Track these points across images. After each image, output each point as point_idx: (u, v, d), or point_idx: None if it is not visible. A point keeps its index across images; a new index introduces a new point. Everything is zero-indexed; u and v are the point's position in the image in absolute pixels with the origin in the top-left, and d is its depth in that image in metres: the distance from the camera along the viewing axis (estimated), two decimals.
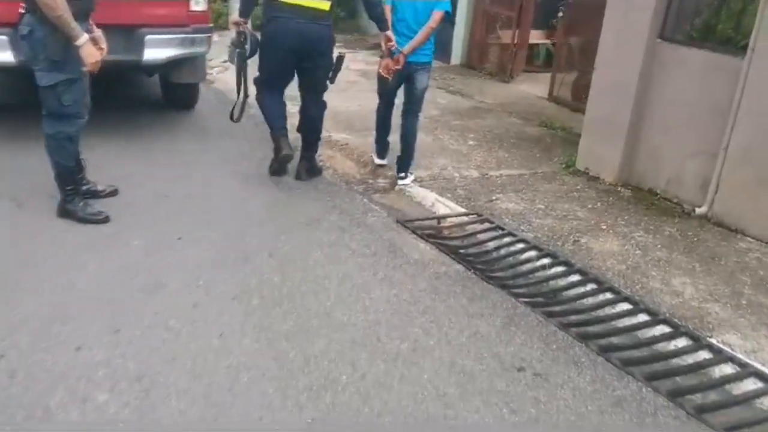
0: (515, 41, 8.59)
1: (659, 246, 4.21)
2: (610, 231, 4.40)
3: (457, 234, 4.26)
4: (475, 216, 4.48)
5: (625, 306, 3.44)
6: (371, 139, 5.67)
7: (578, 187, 5.21)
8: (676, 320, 3.34)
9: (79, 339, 2.80)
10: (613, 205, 4.88)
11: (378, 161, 5.40)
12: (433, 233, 4.19)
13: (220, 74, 8.34)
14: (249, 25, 4.64)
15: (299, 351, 2.83)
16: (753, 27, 4.30)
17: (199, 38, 5.30)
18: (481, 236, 4.22)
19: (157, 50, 5.06)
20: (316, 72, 4.54)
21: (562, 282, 3.70)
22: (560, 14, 7.89)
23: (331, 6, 4.37)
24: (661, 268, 3.90)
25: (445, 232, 4.29)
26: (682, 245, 4.23)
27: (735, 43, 4.76)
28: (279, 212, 4.32)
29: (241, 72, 4.63)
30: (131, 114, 6.15)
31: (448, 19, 4.80)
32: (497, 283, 3.59)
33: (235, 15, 4.64)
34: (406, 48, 4.58)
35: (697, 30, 5.02)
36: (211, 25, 5.60)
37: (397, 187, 5.02)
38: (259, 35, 4.53)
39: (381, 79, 4.83)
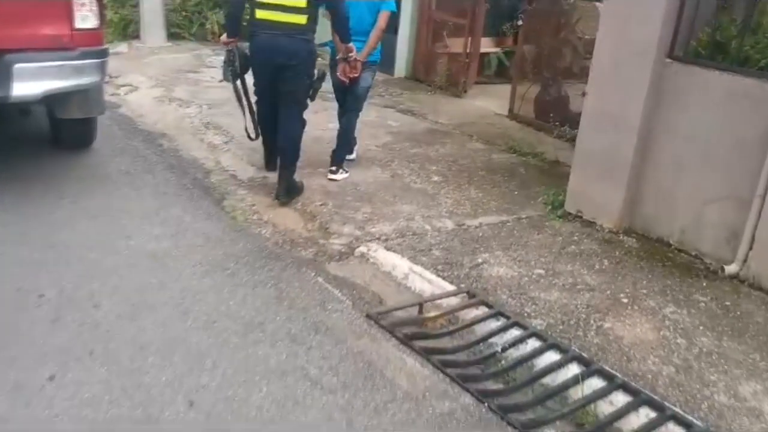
0: (468, 51, 7.55)
1: (701, 327, 3.24)
2: (635, 306, 3.41)
3: (449, 328, 3.15)
4: (465, 296, 3.39)
5: None
6: (316, 178, 4.70)
7: (574, 237, 4.21)
8: None
9: None
10: (623, 262, 3.90)
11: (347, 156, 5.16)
12: (418, 332, 3.07)
13: (129, 95, 6.95)
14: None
15: None
16: None
17: (88, 65, 3.97)
18: (481, 330, 3.13)
19: (30, 83, 3.75)
20: (291, 86, 4.36)
21: (606, 406, 2.65)
22: (519, 22, 6.90)
23: (308, 20, 4.21)
24: (718, 367, 2.93)
25: (432, 325, 3.18)
26: (726, 324, 3.28)
27: (754, 63, 3.87)
28: (202, 313, 3.08)
29: (238, 88, 4.66)
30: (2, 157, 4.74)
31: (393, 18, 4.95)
32: (523, 419, 2.51)
33: (224, 36, 4.59)
34: (362, 54, 4.63)
35: (705, 46, 4.09)
36: (105, 46, 4.24)
37: (357, 250, 3.88)
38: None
39: (336, 87, 4.94)
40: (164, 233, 3.81)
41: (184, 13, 9.80)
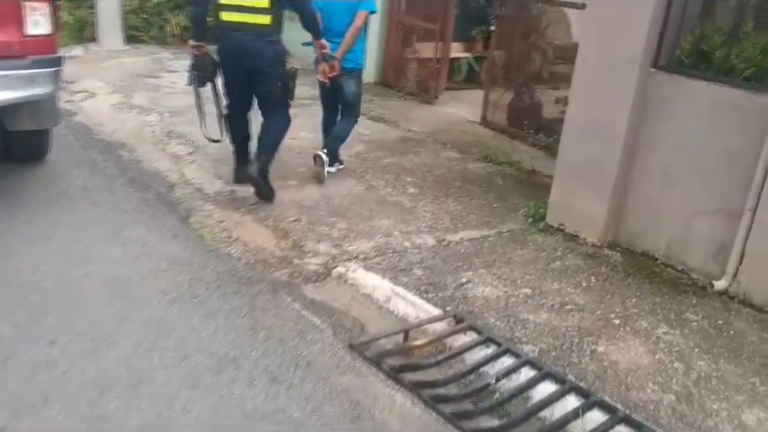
0: (439, 56, 7.37)
1: (696, 350, 3.11)
2: (627, 327, 3.26)
3: (438, 357, 2.95)
4: (452, 320, 3.20)
5: None
6: (288, 192, 4.56)
7: (558, 252, 4.06)
8: None
9: None
10: (610, 279, 3.75)
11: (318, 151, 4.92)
12: (405, 363, 2.86)
13: (86, 102, 6.59)
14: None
15: None
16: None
17: (40, 75, 3.66)
18: (471, 358, 2.93)
19: None
20: (264, 87, 4.34)
21: None
22: (491, 27, 6.75)
23: (273, 20, 4.17)
24: (719, 394, 2.79)
25: (419, 353, 2.97)
26: (721, 345, 3.15)
27: (738, 73, 3.77)
28: (170, 348, 2.81)
29: (200, 93, 4.61)
30: None
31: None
32: None
33: (191, 40, 4.50)
34: (338, 52, 4.55)
35: (688, 55, 3.98)
36: (59, 54, 3.91)
37: (335, 271, 3.65)
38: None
39: (321, 86, 4.85)
40: (126, 256, 3.52)
41: (143, 15, 9.43)
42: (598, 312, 3.39)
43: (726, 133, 3.60)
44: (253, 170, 4.31)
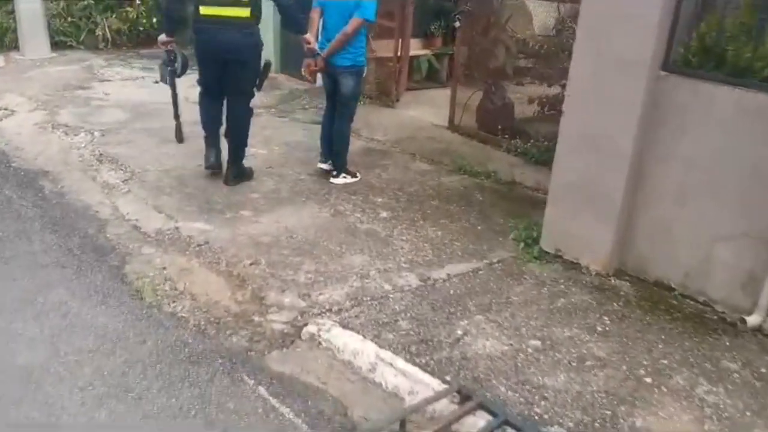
0: (399, 55, 6.68)
1: (747, 413, 2.55)
2: (662, 387, 2.67)
3: None
4: (456, 396, 2.54)
5: None
6: (241, 225, 3.89)
7: (560, 286, 3.45)
8: None
9: None
10: (626, 319, 3.17)
11: (319, 165, 4.82)
12: None
13: (4, 121, 5.67)
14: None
15: None
16: None
17: None
18: None
19: None
20: (239, 78, 4.32)
21: None
22: (456, 23, 6.10)
23: (252, 13, 4.17)
24: None
25: None
26: None
27: (756, 73, 3.22)
28: None
29: (177, 91, 4.53)
30: None
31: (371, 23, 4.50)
32: None
33: (162, 35, 4.41)
34: (324, 52, 4.41)
35: (696, 54, 3.41)
36: None
37: (305, 330, 2.96)
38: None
39: (325, 85, 4.74)
40: (41, 333, 2.74)
41: (69, 19, 8.41)
42: (624, 367, 2.79)
43: (752, 144, 3.04)
44: (232, 181, 4.43)
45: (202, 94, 4.49)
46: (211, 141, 4.50)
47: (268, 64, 4.47)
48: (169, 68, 4.42)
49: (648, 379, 2.72)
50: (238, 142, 4.47)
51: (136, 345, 2.72)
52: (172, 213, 4.03)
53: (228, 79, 4.31)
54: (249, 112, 4.52)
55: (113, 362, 2.59)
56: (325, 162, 4.75)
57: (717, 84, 3.14)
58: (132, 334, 2.80)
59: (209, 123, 4.49)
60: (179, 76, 4.50)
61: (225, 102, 4.43)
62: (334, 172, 4.65)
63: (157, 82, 4.46)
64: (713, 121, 3.15)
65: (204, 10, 4.15)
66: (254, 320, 3.06)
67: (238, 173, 4.49)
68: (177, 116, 4.65)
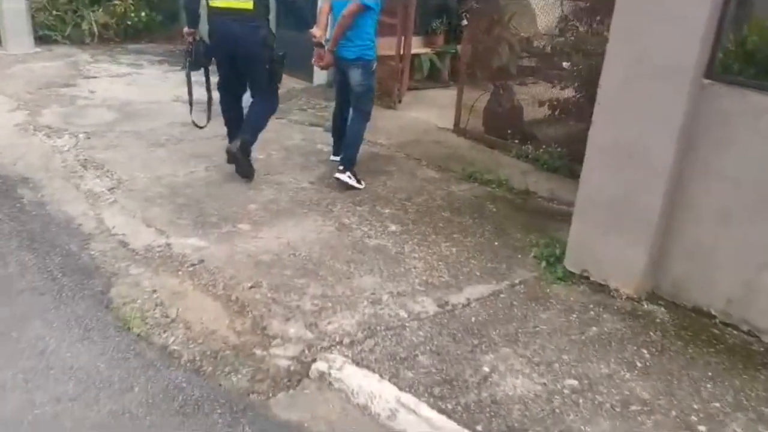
0: (401, 53, 6.31)
1: None
2: None
3: None
4: None
5: None
6: (239, 240, 3.51)
7: (591, 312, 3.12)
8: None
9: None
10: (667, 352, 2.85)
11: (332, 158, 4.77)
12: None
13: None
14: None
15: None
16: None
17: None
18: None
19: None
20: (250, 70, 4.29)
21: None
22: (464, 22, 5.73)
23: (256, 6, 4.11)
24: None
25: None
26: None
27: None
28: None
29: (191, 78, 4.51)
30: None
31: (376, 12, 4.36)
32: None
33: (185, 27, 4.38)
34: (330, 44, 4.34)
35: (736, 59, 3.09)
36: None
37: (314, 368, 2.60)
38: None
39: (334, 78, 4.84)
40: (14, 378, 2.36)
41: (54, 13, 7.95)
42: (673, 413, 2.46)
43: None
44: (234, 146, 4.26)
45: (221, 96, 4.49)
46: (231, 137, 4.45)
47: (280, 57, 4.30)
48: (188, 59, 4.43)
49: (702, 428, 2.40)
50: (250, 133, 4.34)
51: (122, 392, 2.35)
52: (163, 227, 3.66)
53: (242, 73, 4.31)
54: (266, 110, 4.42)
55: (96, 414, 2.22)
56: (336, 155, 4.67)
57: (766, 93, 2.81)
58: (117, 377, 2.43)
59: (226, 116, 4.51)
60: (202, 66, 4.43)
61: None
62: (341, 167, 4.41)
63: (182, 69, 4.54)
64: (762, 133, 2.83)
65: (213, 2, 4.18)
66: (256, 354, 2.71)
67: (244, 168, 4.36)
68: (191, 104, 4.57)
